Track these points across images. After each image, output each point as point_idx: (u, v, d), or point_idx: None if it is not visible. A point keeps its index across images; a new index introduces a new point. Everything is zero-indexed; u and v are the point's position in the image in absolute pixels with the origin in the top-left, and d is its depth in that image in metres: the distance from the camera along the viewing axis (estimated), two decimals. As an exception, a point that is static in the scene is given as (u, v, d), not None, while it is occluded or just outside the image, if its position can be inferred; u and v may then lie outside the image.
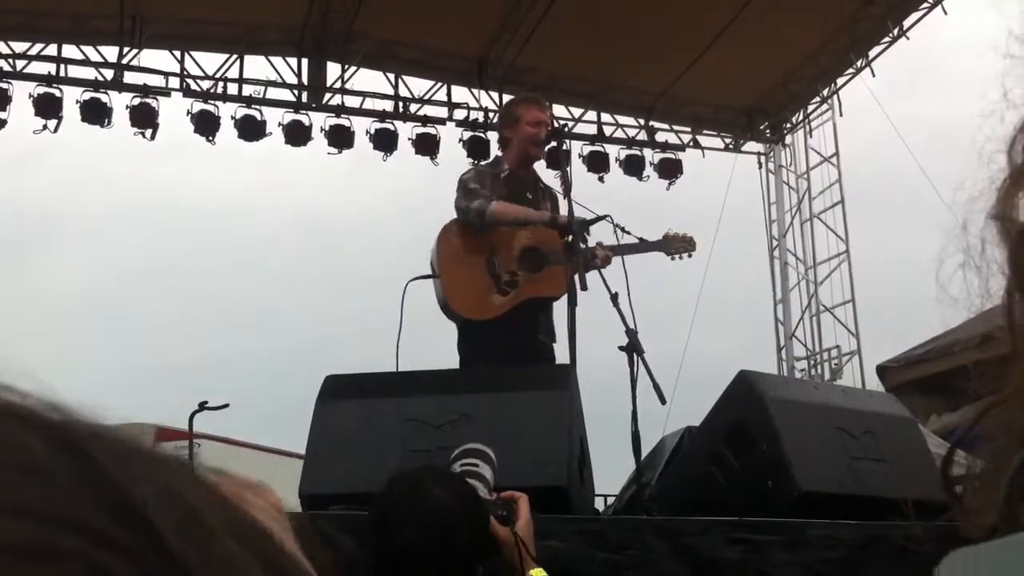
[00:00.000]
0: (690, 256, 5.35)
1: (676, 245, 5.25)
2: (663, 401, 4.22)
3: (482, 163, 5.39)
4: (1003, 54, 0.56)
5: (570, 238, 4.80)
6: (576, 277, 4.63)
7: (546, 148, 5.23)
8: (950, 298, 0.57)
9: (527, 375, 4.18)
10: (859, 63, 10.85)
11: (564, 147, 5.82)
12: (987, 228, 0.53)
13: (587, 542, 3.19)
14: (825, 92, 11.51)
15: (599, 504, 5.02)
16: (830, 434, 3.83)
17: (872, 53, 10.70)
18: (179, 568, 0.26)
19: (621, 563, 3.18)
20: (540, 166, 5.42)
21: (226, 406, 4.39)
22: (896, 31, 10.34)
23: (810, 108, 11.88)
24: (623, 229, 4.94)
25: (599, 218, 4.91)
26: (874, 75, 10.85)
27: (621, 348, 4.29)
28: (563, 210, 5.00)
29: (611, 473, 5.07)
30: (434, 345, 5.47)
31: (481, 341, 4.93)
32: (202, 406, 4.32)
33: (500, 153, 5.42)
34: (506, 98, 10.85)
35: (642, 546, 3.25)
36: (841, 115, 11.68)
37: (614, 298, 4.46)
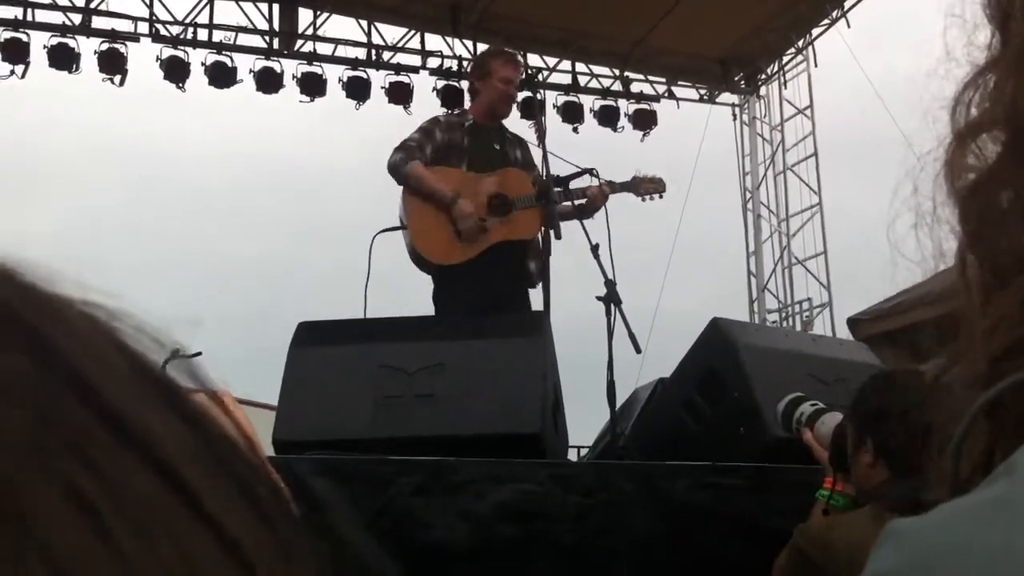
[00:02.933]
0: (661, 197, 5.34)
1: (645, 186, 5.24)
2: (638, 350, 4.25)
3: (451, 112, 5.33)
4: (945, 12, 0.55)
5: (548, 187, 4.77)
6: (550, 225, 4.64)
7: (512, 106, 5.20)
8: (904, 259, 0.57)
9: (501, 322, 4.18)
10: (834, 14, 10.81)
11: (538, 97, 5.79)
12: (936, 188, 0.53)
13: (559, 486, 3.21)
14: (800, 43, 11.48)
15: (573, 455, 5.06)
16: (802, 381, 3.85)
17: (847, 3, 10.66)
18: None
19: (592, 506, 3.21)
20: (514, 116, 5.39)
21: (198, 355, 4.37)
22: (872, -18, 10.31)
23: (785, 59, 11.85)
24: (596, 176, 4.93)
25: (582, 171, 4.90)
26: (849, 26, 10.83)
27: (599, 298, 4.31)
28: (536, 158, 4.98)
29: (585, 425, 5.11)
30: (408, 298, 5.46)
31: (455, 288, 4.91)
32: (174, 354, 4.31)
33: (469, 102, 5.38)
34: (480, 47, 10.79)
35: (613, 490, 3.28)
36: (816, 66, 11.67)
37: (594, 249, 4.47)
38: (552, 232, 4.64)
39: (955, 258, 0.53)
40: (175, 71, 9.80)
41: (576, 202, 4.83)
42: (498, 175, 4.99)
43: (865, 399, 2.62)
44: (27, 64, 9.39)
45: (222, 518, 0.26)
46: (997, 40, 0.52)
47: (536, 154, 5.02)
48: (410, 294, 5.11)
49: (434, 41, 10.80)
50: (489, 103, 5.15)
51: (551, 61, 11.23)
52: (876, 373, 2.74)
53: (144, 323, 0.29)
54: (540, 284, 4.74)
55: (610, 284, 4.34)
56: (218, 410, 0.31)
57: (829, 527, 2.59)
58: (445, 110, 10.36)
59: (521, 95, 5.24)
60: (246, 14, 10.18)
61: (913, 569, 0.44)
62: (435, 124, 5.17)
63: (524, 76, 5.28)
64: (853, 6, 10.65)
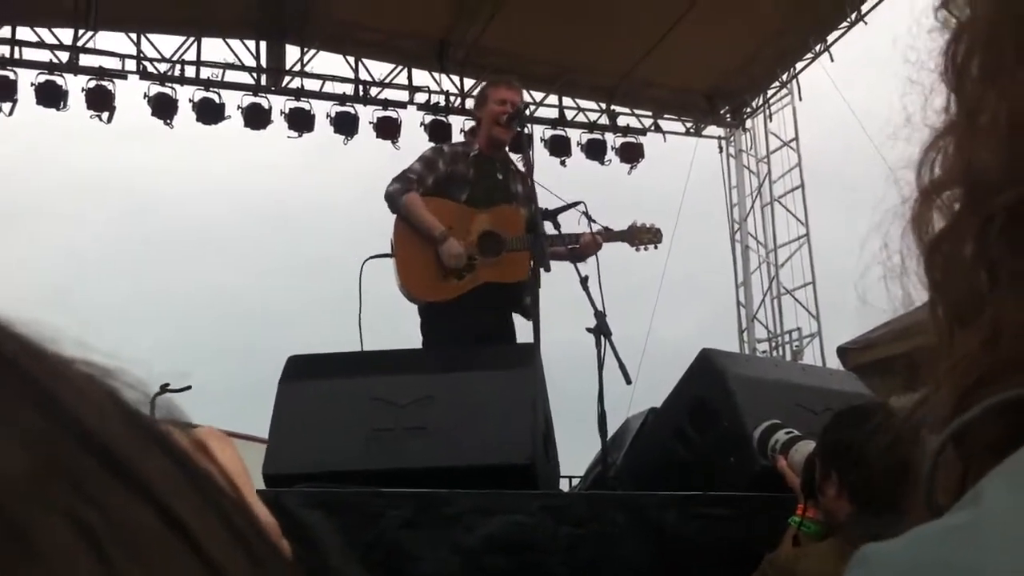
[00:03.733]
0: (655, 248, 5.37)
1: (641, 236, 5.26)
2: (628, 381, 4.25)
3: (455, 142, 5.37)
4: (903, 77, 0.59)
5: (540, 220, 4.78)
6: (539, 260, 4.64)
7: (510, 130, 5.20)
8: (873, 308, 0.61)
9: (491, 354, 4.19)
10: (817, 48, 10.92)
11: (526, 131, 5.83)
12: (904, 242, 0.56)
13: (551, 516, 3.21)
14: (784, 77, 11.58)
15: (564, 486, 5.04)
16: (791, 411, 3.86)
17: (831, 38, 10.77)
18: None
19: (583, 537, 3.20)
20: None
21: (188, 388, 4.36)
22: (854, 16, 10.41)
23: (770, 92, 11.95)
24: (590, 218, 4.95)
25: (570, 205, 4.91)
26: (832, 60, 10.93)
27: (589, 330, 4.32)
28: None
29: (577, 456, 5.10)
30: (400, 326, 5.45)
31: (440, 324, 4.91)
32: (164, 388, 4.26)
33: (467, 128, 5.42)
34: (468, 82, 10.87)
35: (605, 520, 3.28)
36: (800, 99, 11.77)
37: (583, 281, 4.48)
38: (542, 267, 4.66)
39: (928, 300, 0.56)
40: (163, 108, 9.83)
41: (569, 246, 4.85)
42: (492, 213, 4.99)
43: (833, 432, 2.69)
44: (14, 101, 9.41)
45: (212, 551, 0.28)
46: (953, 103, 0.56)
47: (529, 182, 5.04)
48: (406, 321, 5.10)
49: (421, 76, 10.87)
50: (488, 129, 5.17)
51: (538, 95, 11.30)
52: (844, 408, 2.80)
53: (136, 379, 0.31)
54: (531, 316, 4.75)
55: (600, 315, 4.35)
56: (199, 450, 0.34)
57: (796, 558, 2.62)
58: (432, 144, 10.42)
59: (511, 128, 5.23)
60: (233, 51, 10.24)
61: None
62: (439, 154, 5.19)
63: (522, 105, 5.28)
64: (836, 40, 10.76)
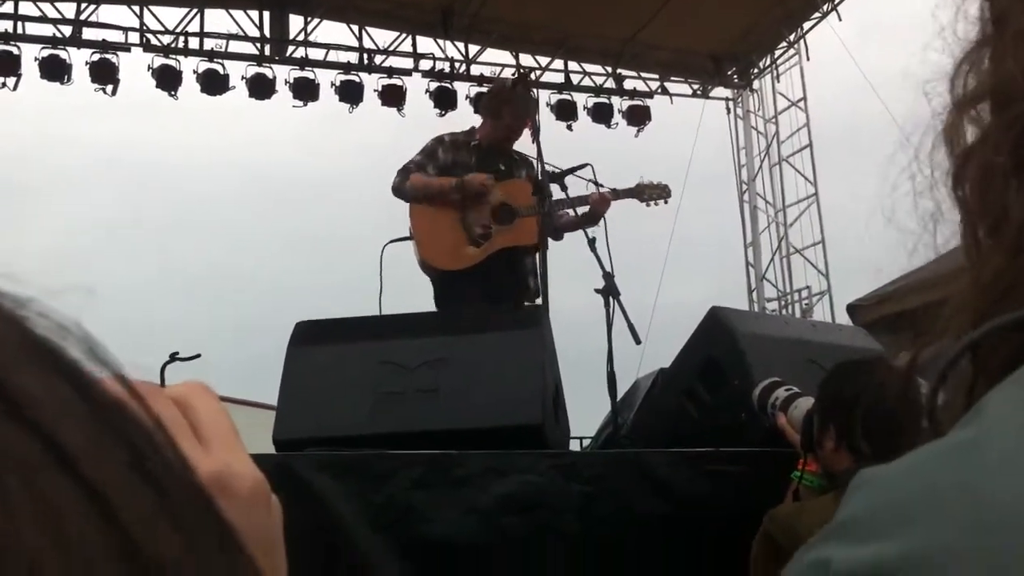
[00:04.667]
0: (665, 202, 5.38)
1: (650, 192, 5.28)
2: (638, 341, 4.25)
3: (456, 132, 5.40)
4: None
5: (544, 185, 4.80)
6: (547, 229, 4.69)
7: (516, 141, 5.28)
8: (900, 228, 0.60)
9: (499, 316, 4.18)
10: (825, 7, 10.82)
11: (532, 94, 5.83)
12: (934, 155, 0.55)
13: (562, 475, 3.21)
14: (792, 37, 11.49)
15: (575, 447, 5.06)
16: (801, 367, 3.85)
17: (838, -4, 10.67)
18: None
19: (594, 495, 3.20)
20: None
21: (198, 356, 4.37)
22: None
23: (777, 53, 11.86)
24: (596, 183, 4.96)
25: (578, 167, 4.92)
26: (840, 19, 10.83)
27: (597, 291, 4.32)
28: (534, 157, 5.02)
29: (587, 417, 5.11)
30: (421, 307, 5.48)
31: (456, 291, 4.96)
32: (173, 357, 4.29)
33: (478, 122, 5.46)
34: (472, 48, 10.80)
35: (616, 478, 3.28)
36: (808, 59, 11.68)
37: (591, 242, 4.48)
38: (547, 232, 4.72)
39: (959, 227, 0.55)
40: (167, 79, 9.80)
41: (579, 210, 4.87)
42: (503, 186, 5.08)
43: (830, 386, 2.73)
44: (18, 76, 9.39)
45: (95, 475, 0.27)
46: (987, 12, 0.55)
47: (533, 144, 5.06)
48: (416, 304, 5.13)
49: (426, 43, 10.81)
50: (495, 137, 5.25)
51: (543, 60, 11.23)
52: (844, 361, 2.82)
53: (49, 309, 0.30)
54: (538, 283, 4.79)
55: (608, 276, 4.35)
56: (127, 393, 0.32)
57: (797, 512, 2.63)
58: (438, 111, 10.39)
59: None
60: (236, 22, 10.19)
61: (880, 511, 0.45)
62: (438, 143, 5.24)
63: (535, 126, 5.32)
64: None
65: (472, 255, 4.95)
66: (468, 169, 5.11)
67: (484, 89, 9.32)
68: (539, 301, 4.80)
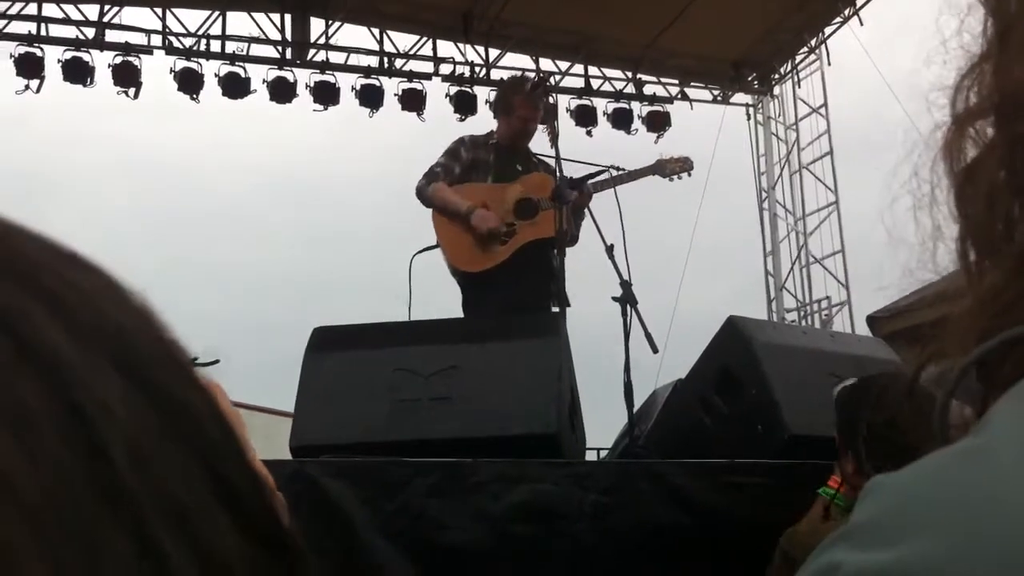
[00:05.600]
0: (689, 175, 5.37)
1: (671, 166, 5.28)
2: (655, 350, 4.24)
3: (477, 134, 5.44)
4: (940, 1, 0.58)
5: (562, 190, 4.82)
6: (564, 228, 4.68)
7: (532, 137, 5.31)
8: (901, 241, 0.60)
9: (517, 323, 4.18)
10: (846, 12, 10.76)
11: (551, 100, 5.83)
12: (934, 171, 0.55)
13: (577, 485, 3.20)
14: (813, 42, 11.43)
15: (591, 457, 5.04)
16: (819, 378, 3.83)
17: (859, 1, 10.61)
18: None
19: (610, 505, 3.19)
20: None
21: (216, 362, 4.38)
22: (884, -22, 10.25)
23: (798, 58, 11.79)
24: (618, 169, 4.99)
25: (598, 171, 4.94)
26: (862, 24, 10.77)
27: (615, 299, 4.31)
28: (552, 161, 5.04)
29: (604, 427, 5.10)
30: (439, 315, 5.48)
31: (484, 292, 4.96)
32: (192, 362, 4.32)
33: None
34: (492, 52, 10.80)
35: (631, 489, 3.27)
36: (829, 65, 11.62)
37: (609, 250, 4.48)
38: (568, 235, 4.73)
39: (955, 242, 0.55)
40: (189, 82, 9.84)
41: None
42: (522, 181, 5.12)
43: (843, 411, 2.74)
44: (42, 78, 9.45)
45: (104, 431, 0.26)
46: (991, 26, 0.54)
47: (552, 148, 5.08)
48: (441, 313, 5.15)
49: (446, 48, 10.81)
50: (510, 135, 5.28)
51: (563, 65, 11.22)
52: (851, 383, 2.81)
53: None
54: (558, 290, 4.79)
55: (626, 285, 4.34)
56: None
57: (814, 532, 2.62)
58: (459, 116, 10.39)
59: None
60: (258, 25, 10.22)
61: (889, 516, 0.45)
62: (460, 144, 5.29)
63: (546, 111, 5.33)
64: (865, 3, 10.60)
65: (500, 252, 4.96)
66: (487, 167, 5.17)
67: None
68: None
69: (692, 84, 11.86)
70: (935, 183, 0.55)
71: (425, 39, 10.71)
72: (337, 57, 10.42)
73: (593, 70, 11.38)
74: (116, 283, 0.30)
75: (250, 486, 0.30)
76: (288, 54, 10.27)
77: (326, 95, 10.20)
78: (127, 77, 9.61)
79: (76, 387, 0.26)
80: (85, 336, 0.28)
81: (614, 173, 4.99)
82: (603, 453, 5.37)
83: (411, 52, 10.67)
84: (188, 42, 10.00)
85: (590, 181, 4.92)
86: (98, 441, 0.25)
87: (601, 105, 11.23)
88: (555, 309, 4.83)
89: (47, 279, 0.28)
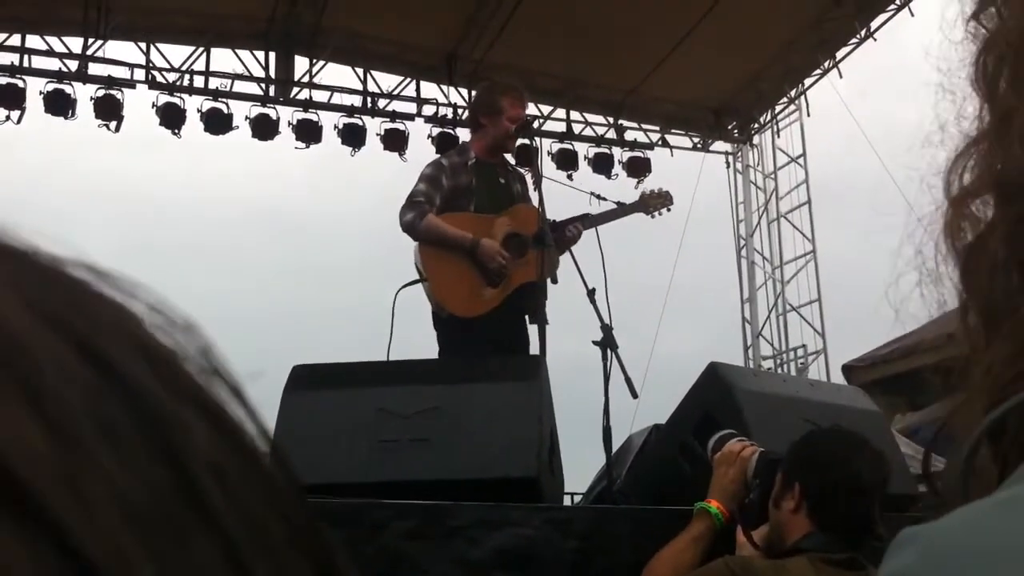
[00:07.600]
0: (669, 211, 5.38)
1: (653, 202, 5.29)
2: (635, 395, 4.23)
3: (449, 153, 5.34)
4: (934, 86, 0.60)
5: (545, 232, 4.79)
6: (546, 270, 4.65)
7: (516, 142, 5.24)
8: (908, 315, 0.62)
9: (497, 366, 4.16)
10: (826, 64, 10.91)
11: (534, 144, 5.85)
12: (936, 248, 0.57)
13: (556, 530, 3.18)
14: (792, 93, 11.57)
15: (568, 502, 5.01)
16: (798, 426, 3.83)
17: (839, 54, 10.76)
18: None
19: (589, 550, 3.17)
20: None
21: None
22: (863, 32, 10.40)
23: (778, 108, 11.94)
24: (600, 197, 5.00)
25: (578, 217, 4.95)
26: (841, 76, 10.92)
27: (595, 343, 4.29)
28: (533, 196, 5.00)
29: (579, 472, 5.07)
30: (418, 352, 5.43)
31: (457, 335, 4.86)
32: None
33: (468, 138, 5.39)
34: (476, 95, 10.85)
35: (611, 535, 3.25)
36: (808, 116, 11.76)
37: (591, 294, 4.46)
38: (549, 277, 4.68)
39: (958, 308, 0.57)
40: (171, 117, 9.84)
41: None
42: (508, 214, 4.98)
43: (806, 447, 2.73)
44: (23, 110, 9.43)
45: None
46: (986, 110, 0.56)
47: (532, 193, 5.06)
48: (420, 349, 5.07)
49: (429, 89, 10.88)
50: (495, 139, 5.09)
51: (546, 109, 11.30)
52: (821, 428, 2.85)
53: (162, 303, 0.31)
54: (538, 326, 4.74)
55: (606, 329, 4.33)
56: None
57: (775, 571, 2.57)
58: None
59: (518, 142, 5.26)
60: (242, 61, 10.26)
61: (927, 565, 0.45)
62: (440, 170, 5.04)
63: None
64: (845, 57, 10.75)
65: (491, 297, 4.81)
66: (468, 191, 4.97)
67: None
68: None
69: (673, 131, 11.98)
70: (938, 259, 0.57)
71: (409, 80, 10.77)
72: (320, 95, 10.46)
73: (575, 115, 11.47)
74: (192, 324, 0.30)
75: (311, 523, 0.30)
76: (271, 91, 10.30)
77: (309, 133, 10.23)
78: (109, 110, 9.60)
79: (165, 423, 0.26)
80: (166, 378, 0.27)
81: (599, 203, 4.99)
82: (577, 498, 5.34)
83: (394, 92, 10.72)
84: (171, 77, 10.00)
85: (571, 224, 4.92)
86: (187, 463, 0.26)
87: (582, 149, 11.32)
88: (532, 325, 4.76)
89: (133, 327, 0.28)
